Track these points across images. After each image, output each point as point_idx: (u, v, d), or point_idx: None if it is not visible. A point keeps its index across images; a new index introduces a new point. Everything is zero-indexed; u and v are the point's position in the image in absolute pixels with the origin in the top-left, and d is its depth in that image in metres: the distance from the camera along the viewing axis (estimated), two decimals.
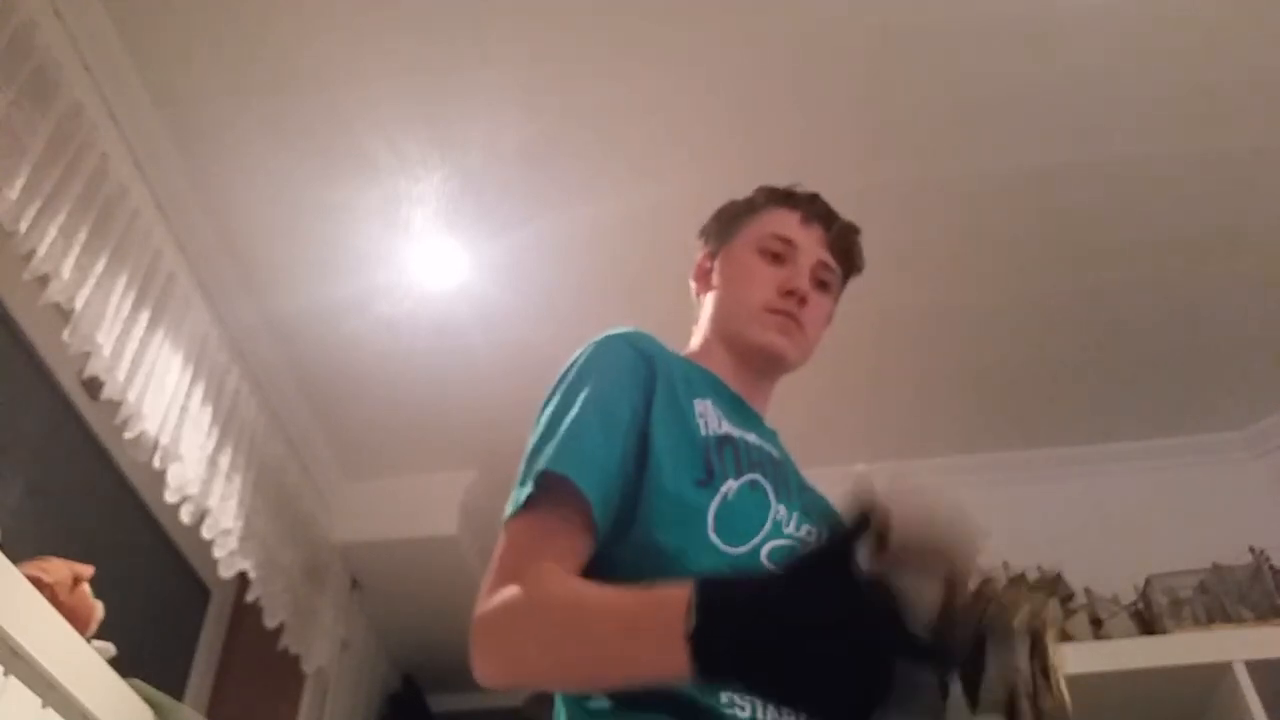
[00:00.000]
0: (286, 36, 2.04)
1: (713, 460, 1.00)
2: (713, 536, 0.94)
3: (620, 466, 0.95)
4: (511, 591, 0.86)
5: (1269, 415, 2.99)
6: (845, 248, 1.24)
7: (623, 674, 0.80)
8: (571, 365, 1.05)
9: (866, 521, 0.69)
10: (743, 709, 0.85)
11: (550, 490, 0.91)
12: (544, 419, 1.00)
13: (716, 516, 0.95)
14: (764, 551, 0.97)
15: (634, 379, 1.02)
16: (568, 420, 0.96)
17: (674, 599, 0.71)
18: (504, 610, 0.86)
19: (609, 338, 1.07)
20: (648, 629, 0.74)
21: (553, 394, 1.03)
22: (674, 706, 0.83)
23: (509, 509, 0.94)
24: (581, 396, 0.99)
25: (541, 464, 0.92)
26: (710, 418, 1.05)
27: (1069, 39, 2.10)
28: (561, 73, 2.14)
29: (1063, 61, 2.14)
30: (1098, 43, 2.10)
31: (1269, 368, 2.84)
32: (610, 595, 0.82)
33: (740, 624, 0.69)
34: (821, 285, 1.21)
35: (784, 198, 1.25)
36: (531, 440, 0.99)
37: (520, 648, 0.85)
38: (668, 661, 0.70)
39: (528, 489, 0.92)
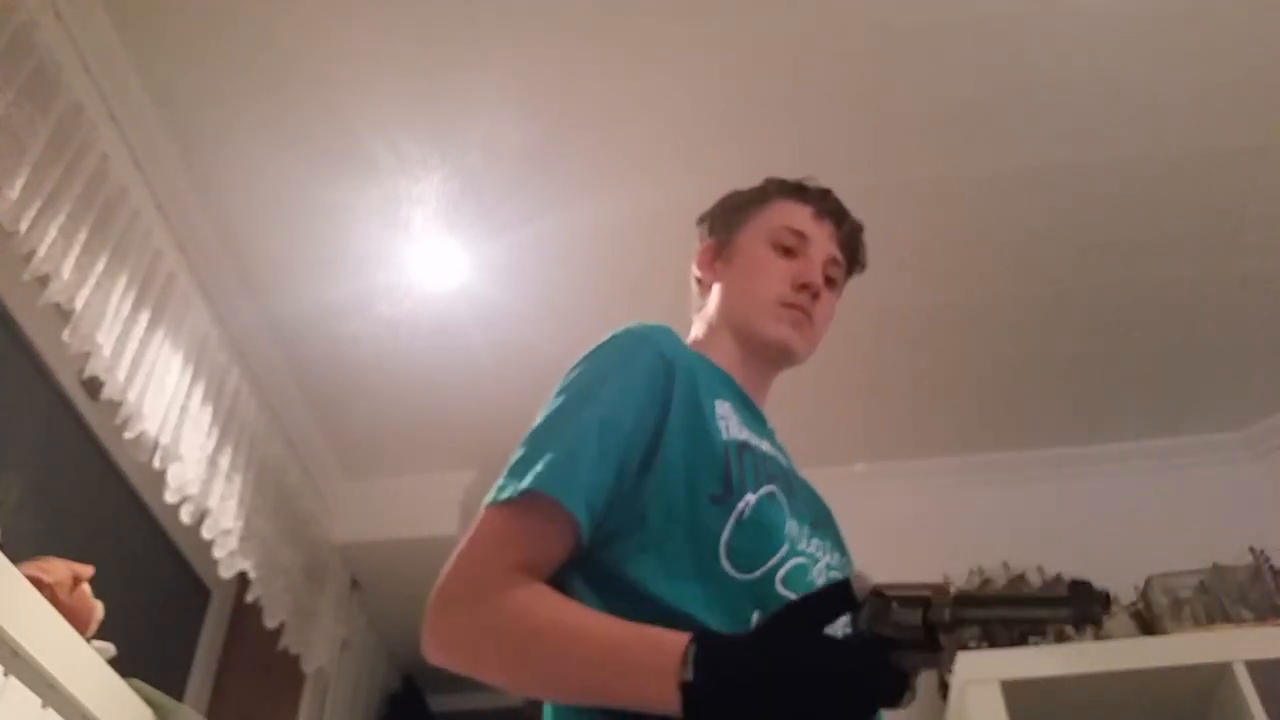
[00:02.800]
0: (287, 37, 2.04)
1: (732, 469, 0.97)
2: (724, 563, 0.92)
3: (615, 483, 0.93)
4: (483, 592, 0.88)
5: (1269, 415, 2.99)
6: (854, 246, 1.24)
7: (600, 698, 0.84)
8: (589, 358, 1.02)
9: (851, 604, 0.78)
10: None
11: (534, 498, 0.90)
12: (548, 414, 0.98)
13: (730, 544, 0.93)
14: (779, 575, 0.94)
15: (649, 385, 0.99)
16: (568, 430, 0.94)
17: (672, 643, 0.79)
18: (471, 609, 0.88)
19: (631, 334, 1.04)
20: (645, 666, 0.79)
21: (564, 385, 1.01)
22: None
23: (493, 494, 0.93)
24: (589, 399, 0.97)
25: (530, 481, 0.90)
26: (730, 421, 1.02)
27: (1069, 39, 2.10)
28: (561, 73, 2.14)
29: (1063, 61, 2.14)
30: (1098, 43, 2.11)
31: (1269, 368, 2.84)
32: (598, 623, 0.86)
33: (728, 683, 0.77)
34: (829, 281, 1.20)
35: (796, 190, 1.23)
36: (533, 429, 0.97)
37: (480, 650, 0.88)
38: (656, 699, 0.78)
39: (512, 491, 0.91)
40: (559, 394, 1.00)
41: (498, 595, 0.87)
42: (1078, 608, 0.73)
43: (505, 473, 0.94)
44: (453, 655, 0.89)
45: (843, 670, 0.75)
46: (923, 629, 0.75)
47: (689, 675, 0.76)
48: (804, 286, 1.15)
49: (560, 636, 0.84)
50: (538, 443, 0.95)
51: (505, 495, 0.91)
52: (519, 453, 0.96)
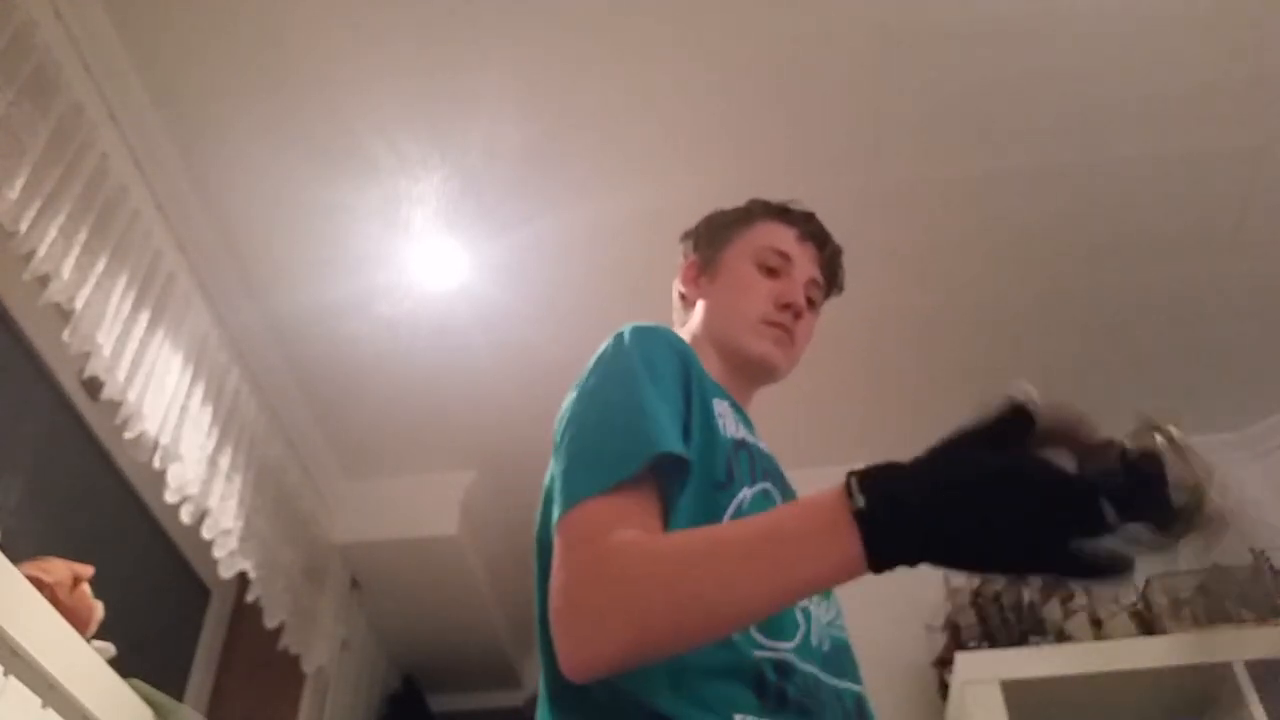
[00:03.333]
0: (287, 37, 2.04)
1: (733, 464, 0.99)
2: None
3: (685, 433, 0.93)
4: (608, 569, 0.79)
5: (1268, 415, 2.99)
6: (834, 268, 1.27)
7: (783, 587, 0.75)
8: (609, 352, 1.01)
9: (1023, 415, 0.71)
10: None
11: (637, 470, 0.85)
12: (600, 404, 0.95)
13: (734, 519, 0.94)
14: None
15: (670, 370, 0.99)
16: (641, 403, 0.91)
17: (825, 496, 0.73)
18: (609, 568, 0.78)
19: (639, 328, 1.04)
20: (802, 531, 0.74)
21: (599, 380, 0.98)
22: None
23: (563, 504, 0.86)
24: (634, 380, 0.95)
25: (644, 445, 0.86)
26: (728, 420, 1.04)
27: (1068, 39, 2.10)
28: (561, 73, 2.14)
29: (1062, 61, 2.14)
30: (1097, 43, 2.11)
31: (1269, 368, 2.84)
32: (734, 525, 0.83)
33: (905, 500, 0.70)
34: (810, 302, 1.23)
35: (780, 213, 1.27)
36: (580, 427, 0.94)
37: (645, 615, 0.75)
38: (835, 552, 0.71)
39: (605, 478, 0.85)
40: (595, 394, 0.97)
41: (624, 560, 0.78)
42: None
43: (581, 466, 0.89)
44: (612, 646, 0.76)
45: (1050, 479, 0.68)
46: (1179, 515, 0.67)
47: (860, 502, 0.70)
48: (787, 306, 1.18)
49: (714, 549, 0.78)
50: (607, 432, 0.91)
51: (595, 489, 0.84)
52: (583, 443, 0.92)
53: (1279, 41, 2.11)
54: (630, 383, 0.95)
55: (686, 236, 1.33)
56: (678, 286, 1.30)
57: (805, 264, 1.23)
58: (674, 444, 0.88)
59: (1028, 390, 0.72)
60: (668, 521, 0.88)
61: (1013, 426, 0.72)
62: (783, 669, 0.89)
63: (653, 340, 1.02)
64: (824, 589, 0.76)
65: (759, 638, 0.89)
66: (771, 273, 1.21)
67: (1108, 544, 0.67)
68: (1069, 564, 0.68)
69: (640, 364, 0.97)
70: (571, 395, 1.01)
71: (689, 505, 0.93)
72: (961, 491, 0.69)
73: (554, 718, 0.91)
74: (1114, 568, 0.68)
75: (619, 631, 0.76)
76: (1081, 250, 2.52)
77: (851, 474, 0.73)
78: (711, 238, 1.29)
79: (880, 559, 0.71)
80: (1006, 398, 0.72)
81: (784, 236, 1.23)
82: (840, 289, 1.30)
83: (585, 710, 0.87)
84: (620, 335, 1.03)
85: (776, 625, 0.90)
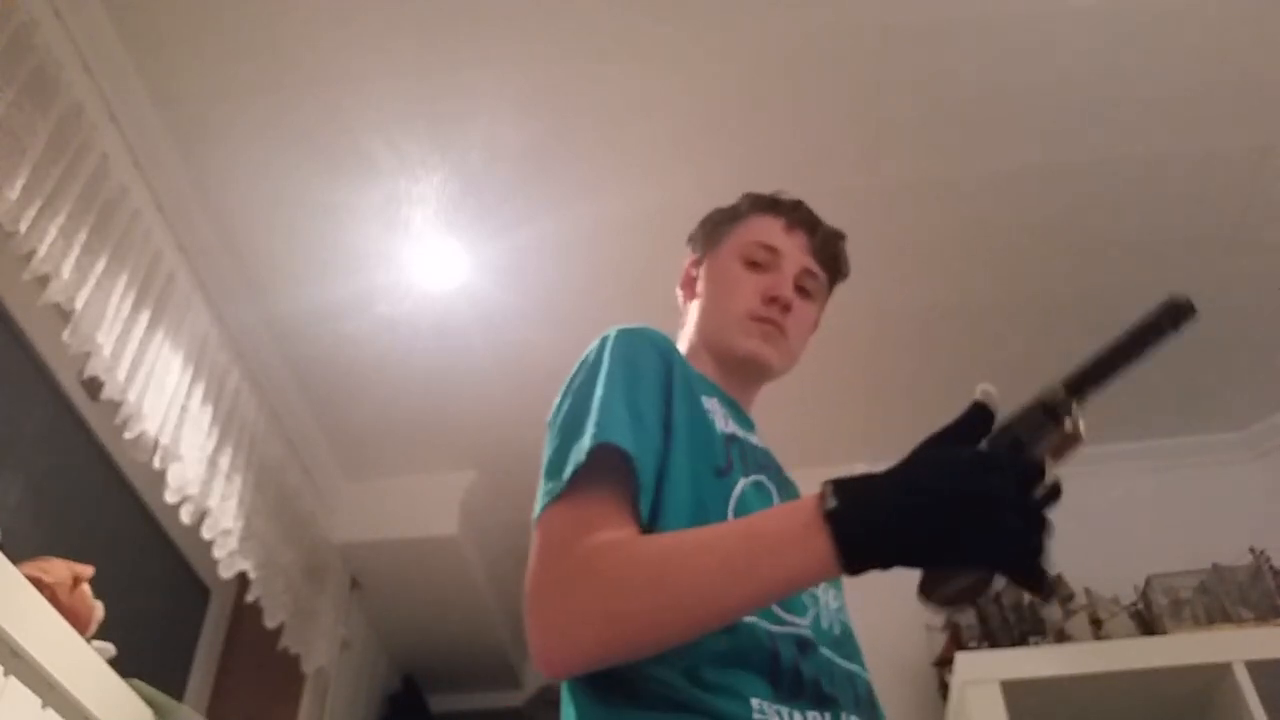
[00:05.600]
0: (286, 37, 2.04)
1: (730, 453, 1.01)
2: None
3: (655, 437, 0.93)
4: (579, 569, 0.80)
5: (1269, 415, 3.00)
6: (830, 254, 1.24)
7: (755, 589, 0.77)
8: (591, 355, 1.03)
9: (989, 417, 0.77)
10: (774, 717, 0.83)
11: (593, 468, 0.86)
12: (564, 414, 0.96)
13: (736, 508, 0.95)
14: None
15: (652, 367, 1.00)
16: (597, 400, 0.93)
17: (802, 501, 0.76)
18: (581, 591, 0.79)
19: (623, 330, 1.05)
20: (783, 530, 0.76)
21: (567, 392, 1.00)
22: (704, 710, 0.81)
23: (542, 501, 0.89)
24: (610, 382, 0.96)
25: (588, 441, 0.87)
26: (718, 415, 1.05)
27: (1068, 39, 2.10)
28: (561, 73, 2.14)
29: (1062, 61, 2.14)
30: (1097, 43, 2.11)
31: (1269, 368, 2.84)
32: (713, 527, 0.83)
33: (876, 501, 0.74)
34: (804, 292, 1.20)
35: (768, 205, 1.25)
36: (555, 432, 0.95)
37: (617, 616, 0.77)
38: (807, 554, 0.74)
39: (572, 465, 0.86)
40: (568, 397, 0.99)
41: (598, 560, 0.80)
42: (1171, 317, 0.79)
43: (545, 476, 0.92)
44: (587, 645, 0.78)
45: (985, 463, 0.73)
46: (1041, 409, 0.76)
47: (832, 504, 0.74)
48: (773, 300, 1.16)
49: (690, 552, 0.79)
50: (566, 435, 0.92)
51: (561, 490, 0.87)
52: (551, 447, 0.94)
53: (1279, 41, 2.11)
54: (596, 386, 0.96)
55: (689, 240, 1.32)
56: (677, 290, 1.30)
57: (795, 254, 1.20)
58: (619, 437, 0.88)
59: (988, 390, 0.78)
60: (662, 510, 0.90)
61: (976, 424, 0.78)
62: (803, 645, 0.89)
63: (634, 341, 1.03)
64: (800, 589, 0.78)
65: (779, 612, 0.90)
66: (759, 267, 1.19)
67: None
68: (1025, 566, 0.74)
69: (616, 366, 0.98)
70: (556, 400, 1.02)
71: (691, 492, 0.93)
72: (928, 496, 0.72)
73: (578, 697, 0.89)
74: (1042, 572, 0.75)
75: (594, 633, 0.78)
76: (1081, 250, 2.52)
77: (828, 481, 0.76)
78: (705, 238, 1.28)
79: (851, 559, 0.73)
80: (972, 402, 0.78)
81: (770, 229, 1.22)
82: (845, 274, 1.27)
83: (609, 688, 0.85)
84: (604, 338, 1.04)
85: (790, 603, 0.91)
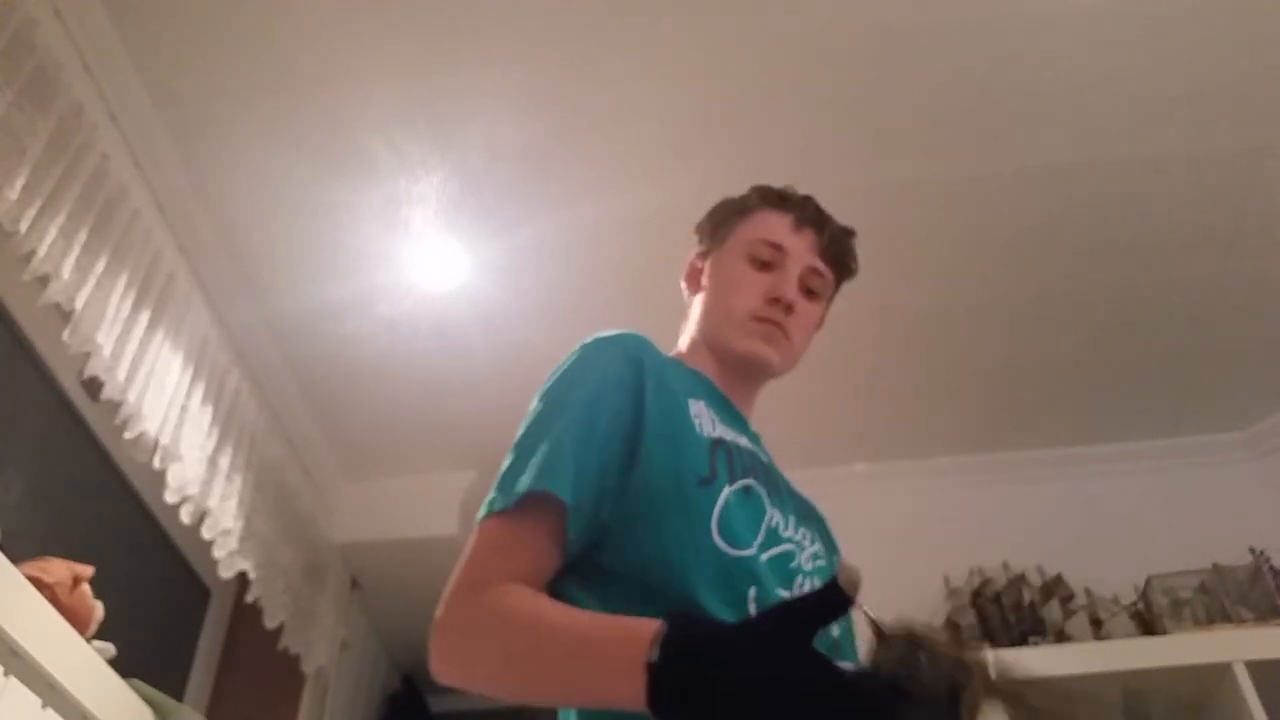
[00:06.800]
0: (286, 36, 2.04)
1: (714, 461, 0.99)
2: (716, 539, 0.93)
3: (597, 480, 0.93)
4: (475, 600, 0.87)
5: (1269, 415, 2.99)
6: (838, 252, 1.22)
7: (578, 694, 0.83)
8: (557, 372, 1.03)
9: (845, 602, 0.71)
10: None
11: (525, 502, 0.90)
12: (524, 429, 0.99)
13: (720, 518, 0.94)
14: (763, 558, 0.96)
15: (619, 384, 0.99)
16: (546, 438, 0.95)
17: (643, 630, 0.73)
18: (465, 619, 0.87)
19: (597, 341, 1.05)
20: (612, 656, 0.75)
21: (538, 401, 1.02)
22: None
23: (484, 509, 0.93)
24: (562, 409, 0.98)
25: (521, 485, 0.91)
26: (705, 419, 1.04)
27: (1069, 39, 2.10)
28: (561, 73, 2.14)
29: (1063, 61, 2.14)
30: (1098, 43, 2.11)
31: (1269, 368, 2.84)
32: (575, 618, 0.84)
33: (700, 666, 0.69)
34: (810, 292, 1.19)
35: (777, 200, 1.22)
36: (515, 442, 0.98)
37: (477, 658, 0.86)
38: (625, 688, 0.72)
39: (502, 501, 0.92)
40: (535, 408, 1.01)
41: (491, 603, 0.86)
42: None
43: (495, 485, 0.95)
44: (454, 671, 0.87)
45: (845, 704, 0.66)
46: (947, 700, 0.67)
47: (654, 655, 0.70)
48: (776, 300, 1.14)
49: (540, 633, 0.83)
50: (520, 454, 0.96)
51: (499, 506, 0.92)
52: (505, 463, 0.96)
53: (1279, 41, 2.11)
54: (556, 418, 0.97)
55: (697, 229, 1.31)
56: (682, 282, 1.29)
57: (801, 252, 1.18)
58: (557, 486, 0.90)
59: (852, 571, 0.72)
60: (642, 528, 0.92)
61: (832, 607, 0.72)
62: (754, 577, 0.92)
63: (608, 354, 1.02)
64: (620, 709, 0.75)
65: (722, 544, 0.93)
66: (764, 266, 1.17)
67: None
68: None
69: (581, 387, 0.99)
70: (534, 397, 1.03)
71: (676, 505, 0.93)
72: (753, 693, 0.67)
73: (573, 583, 0.92)
74: None
75: (485, 677, 0.86)
76: (1081, 250, 2.52)
77: (667, 619, 0.73)
78: (713, 232, 1.27)
79: (658, 711, 0.70)
80: (831, 577, 0.72)
81: (778, 226, 1.19)
82: (853, 273, 1.25)
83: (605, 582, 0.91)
84: (580, 348, 1.04)
85: (731, 532, 0.94)
